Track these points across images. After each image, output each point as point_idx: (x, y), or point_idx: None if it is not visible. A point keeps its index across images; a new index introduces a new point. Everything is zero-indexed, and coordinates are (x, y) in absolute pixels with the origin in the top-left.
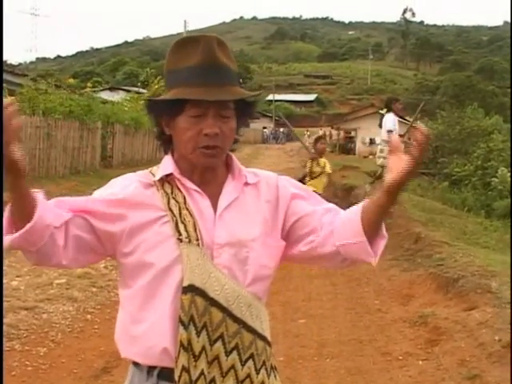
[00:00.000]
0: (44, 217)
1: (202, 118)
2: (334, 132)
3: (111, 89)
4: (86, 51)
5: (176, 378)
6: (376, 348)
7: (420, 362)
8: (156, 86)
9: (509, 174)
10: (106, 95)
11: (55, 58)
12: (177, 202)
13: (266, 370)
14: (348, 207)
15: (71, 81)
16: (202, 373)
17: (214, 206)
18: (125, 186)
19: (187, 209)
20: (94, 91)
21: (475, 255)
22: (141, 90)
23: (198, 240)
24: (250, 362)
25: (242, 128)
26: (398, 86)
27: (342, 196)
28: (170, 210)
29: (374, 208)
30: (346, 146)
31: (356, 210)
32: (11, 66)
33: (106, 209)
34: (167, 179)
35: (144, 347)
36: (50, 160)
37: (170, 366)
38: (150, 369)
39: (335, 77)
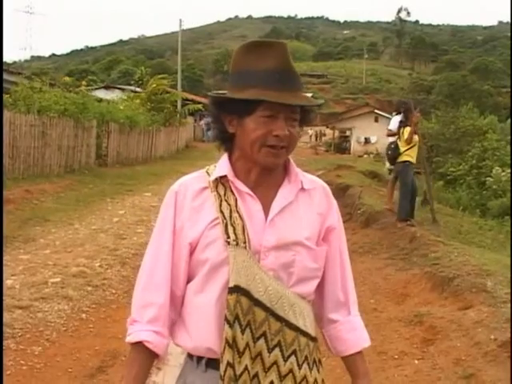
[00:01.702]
0: (164, 345)
1: (273, 119)
2: (329, 131)
3: (106, 87)
4: (81, 50)
5: (221, 372)
6: (371, 347)
7: (415, 361)
8: (153, 85)
9: (503, 173)
10: (101, 94)
11: (50, 56)
12: (228, 204)
13: (309, 364)
14: (343, 207)
15: (66, 79)
16: (245, 368)
17: (267, 208)
18: (180, 203)
19: (238, 212)
20: (89, 90)
21: (470, 254)
22: (136, 89)
23: (245, 243)
24: (293, 358)
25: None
26: (393, 85)
27: (337, 195)
28: (222, 212)
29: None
30: (341, 146)
31: (347, 348)
32: (6, 64)
33: (176, 244)
34: (222, 181)
35: (192, 339)
36: (44, 158)
37: (216, 357)
38: (200, 358)
39: (330, 76)
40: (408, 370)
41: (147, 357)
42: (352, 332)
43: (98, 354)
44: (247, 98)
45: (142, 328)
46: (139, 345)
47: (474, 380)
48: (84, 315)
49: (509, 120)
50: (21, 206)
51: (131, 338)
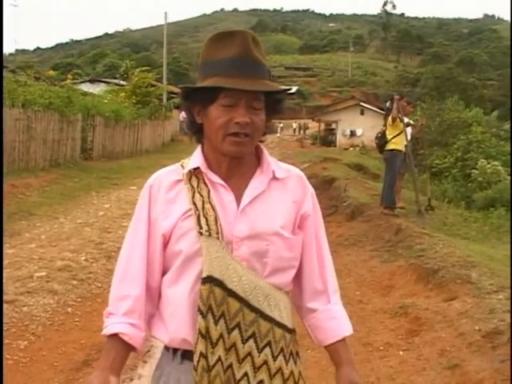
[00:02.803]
0: (140, 338)
1: (234, 107)
2: (314, 124)
3: (91, 81)
4: (66, 43)
5: (195, 363)
6: (357, 339)
7: (401, 353)
8: (136, 78)
9: (488, 165)
10: (86, 87)
11: (35, 49)
12: (201, 195)
13: (285, 356)
14: (329, 199)
15: (51, 73)
16: (219, 359)
17: (240, 198)
18: (154, 195)
19: (210, 203)
20: (74, 83)
21: (455, 246)
22: (121, 82)
23: (218, 233)
24: (267, 350)
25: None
26: (379, 78)
27: (323, 188)
28: (194, 203)
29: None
30: (327, 138)
31: (327, 336)
32: None
33: (151, 236)
34: (195, 172)
35: (168, 331)
36: (29, 152)
37: (191, 349)
38: (175, 350)
39: (316, 69)
40: (393, 361)
41: (123, 349)
42: (332, 321)
43: (84, 347)
44: (205, 86)
45: (117, 320)
46: (115, 337)
47: (459, 370)
48: (69, 309)
49: (494, 112)
50: (6, 201)
51: (107, 330)
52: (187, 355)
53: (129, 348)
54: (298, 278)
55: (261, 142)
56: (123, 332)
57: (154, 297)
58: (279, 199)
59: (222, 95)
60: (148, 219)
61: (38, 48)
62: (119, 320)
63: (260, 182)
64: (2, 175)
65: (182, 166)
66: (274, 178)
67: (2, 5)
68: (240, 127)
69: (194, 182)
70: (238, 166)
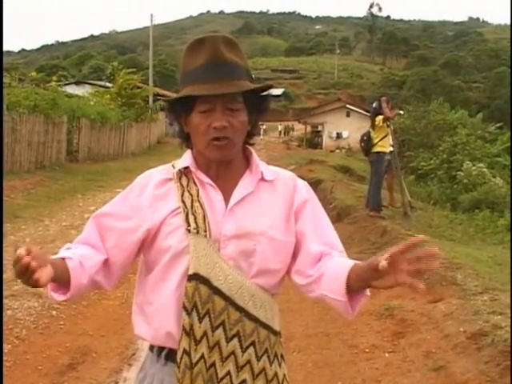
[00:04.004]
0: (79, 281)
1: (212, 112)
2: (300, 126)
3: (77, 83)
4: (52, 45)
5: (178, 359)
6: (343, 341)
7: (386, 355)
8: (121, 80)
9: (473, 167)
10: (71, 89)
11: (19, 51)
12: (190, 194)
13: (269, 357)
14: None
15: (34, 74)
16: (202, 356)
17: (228, 198)
18: (142, 188)
19: (199, 201)
20: (60, 85)
21: (441, 248)
22: (107, 84)
23: (206, 231)
24: (251, 349)
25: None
26: (365, 80)
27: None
28: (183, 202)
29: (365, 274)
30: (313, 141)
31: (346, 265)
32: None
33: (130, 218)
34: (185, 172)
35: (152, 328)
36: (14, 155)
37: (175, 347)
38: (160, 350)
39: (302, 71)
40: (379, 362)
41: (64, 265)
42: (341, 257)
43: (69, 351)
44: (178, 97)
45: (64, 253)
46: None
47: (444, 372)
48: (54, 312)
49: (479, 114)
50: None
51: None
52: (171, 356)
53: (67, 274)
54: (303, 250)
55: (250, 144)
56: (69, 256)
57: (107, 266)
58: (268, 200)
59: (198, 102)
60: (133, 202)
61: (23, 50)
62: (66, 253)
63: (249, 183)
64: (2, 175)
65: (173, 166)
66: (263, 179)
67: (2, 5)
68: (218, 131)
69: (184, 181)
70: (226, 168)
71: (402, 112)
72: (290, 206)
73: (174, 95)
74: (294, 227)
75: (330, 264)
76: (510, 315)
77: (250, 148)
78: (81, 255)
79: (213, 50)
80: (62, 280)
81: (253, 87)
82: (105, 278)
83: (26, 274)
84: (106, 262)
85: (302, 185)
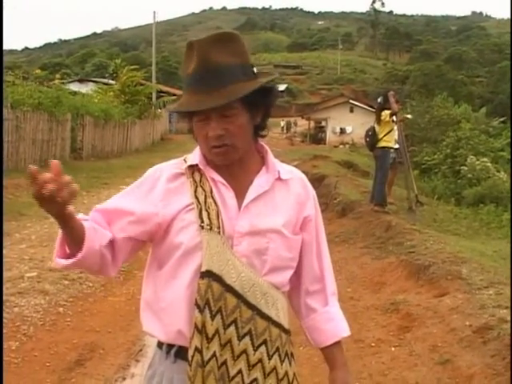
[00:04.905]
0: (92, 244)
1: (207, 121)
2: (303, 122)
3: (80, 80)
4: (54, 43)
5: (189, 357)
6: (349, 335)
7: (392, 349)
8: (124, 77)
9: (477, 162)
10: (75, 87)
11: (23, 49)
12: (204, 190)
13: (280, 356)
14: (319, 197)
15: (38, 72)
16: (213, 355)
17: (241, 196)
18: (154, 182)
19: (212, 197)
20: (63, 83)
21: (446, 242)
22: (110, 82)
23: (219, 228)
24: (263, 348)
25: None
26: (368, 75)
27: (313, 185)
28: (196, 197)
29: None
30: (317, 136)
31: (326, 338)
32: None
33: (140, 210)
34: (197, 167)
35: (162, 325)
36: (18, 153)
37: (185, 345)
38: (169, 347)
39: (305, 67)
40: (385, 357)
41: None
42: (330, 322)
43: (76, 347)
44: (174, 110)
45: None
46: None
47: (450, 365)
48: (61, 309)
49: (482, 109)
50: None
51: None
52: (181, 354)
53: (81, 232)
54: (297, 277)
55: (262, 137)
56: (85, 218)
57: (113, 249)
58: (282, 199)
59: (194, 113)
60: (144, 194)
61: (27, 48)
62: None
63: (265, 181)
64: (2, 175)
65: (185, 160)
66: (279, 178)
67: (2, 5)
68: (215, 140)
69: (197, 177)
70: (236, 167)
71: (409, 116)
72: (301, 210)
73: (176, 92)
74: (299, 229)
75: (317, 323)
76: None
77: (265, 146)
78: (93, 223)
79: (201, 57)
80: (74, 237)
81: (245, 92)
82: (111, 256)
83: (50, 198)
84: (112, 243)
85: (314, 194)
